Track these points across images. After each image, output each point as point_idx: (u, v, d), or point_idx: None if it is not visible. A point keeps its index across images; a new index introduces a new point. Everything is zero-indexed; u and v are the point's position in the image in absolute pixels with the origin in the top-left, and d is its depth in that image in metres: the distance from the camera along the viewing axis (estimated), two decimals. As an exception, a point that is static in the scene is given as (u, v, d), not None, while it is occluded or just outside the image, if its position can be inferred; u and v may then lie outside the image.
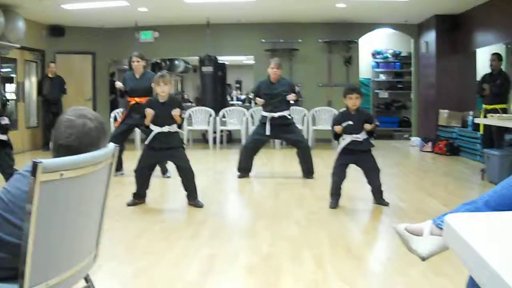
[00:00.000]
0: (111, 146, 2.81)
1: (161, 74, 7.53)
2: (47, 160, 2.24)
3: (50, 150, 2.75)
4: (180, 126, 7.60)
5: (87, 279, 3.05)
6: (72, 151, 2.57)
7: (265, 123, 9.65)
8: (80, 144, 2.62)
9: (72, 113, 2.70)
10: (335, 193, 7.45)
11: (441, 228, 2.72)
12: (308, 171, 9.83)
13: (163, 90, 7.39)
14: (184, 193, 7.56)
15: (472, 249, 1.34)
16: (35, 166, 2.17)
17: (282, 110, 9.62)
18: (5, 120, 7.63)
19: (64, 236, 2.54)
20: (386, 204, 7.42)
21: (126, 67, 15.85)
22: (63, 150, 2.62)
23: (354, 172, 7.75)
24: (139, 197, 7.64)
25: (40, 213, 2.24)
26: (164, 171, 9.78)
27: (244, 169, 10.00)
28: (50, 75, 14.82)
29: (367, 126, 7.24)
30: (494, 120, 9.47)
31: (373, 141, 7.61)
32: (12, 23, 12.70)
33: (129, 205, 7.51)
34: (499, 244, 1.39)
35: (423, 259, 2.79)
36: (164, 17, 15.29)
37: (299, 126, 13.78)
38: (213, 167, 12.04)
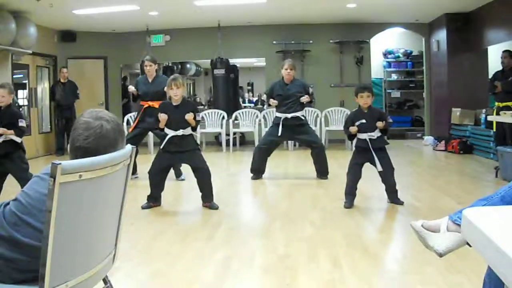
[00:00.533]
0: (128, 147, 2.82)
1: (174, 77, 7.53)
2: (66, 162, 2.25)
3: (67, 153, 2.77)
4: (194, 129, 7.61)
5: (105, 281, 3.06)
6: (89, 153, 2.58)
7: (278, 124, 9.65)
8: (97, 146, 2.63)
9: (89, 115, 2.72)
10: (350, 193, 7.46)
11: (457, 224, 2.73)
12: (322, 172, 9.83)
13: (175, 93, 7.41)
14: (199, 195, 7.57)
15: (491, 241, 1.35)
16: (54, 167, 2.18)
17: (295, 111, 9.61)
18: (23, 122, 7.65)
19: (84, 237, 2.55)
20: (401, 203, 7.42)
21: (138, 71, 15.94)
22: (80, 152, 2.63)
23: (368, 172, 7.75)
24: (153, 200, 7.65)
25: (59, 214, 2.25)
26: (178, 174, 9.80)
27: (257, 171, 10.01)
28: (62, 80, 14.86)
29: (379, 124, 7.24)
30: (507, 117, 9.45)
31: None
32: (23, 29, 12.76)
33: (143, 208, 7.52)
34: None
35: (440, 255, 2.80)
36: (175, 21, 15.34)
37: (312, 126, 13.79)
38: (227, 169, 12.05)
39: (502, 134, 10.53)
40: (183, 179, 9.74)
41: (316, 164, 9.89)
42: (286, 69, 9.67)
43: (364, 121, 7.35)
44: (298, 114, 9.64)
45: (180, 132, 7.43)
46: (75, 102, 14.91)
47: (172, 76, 7.63)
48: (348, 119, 7.69)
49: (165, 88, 7.83)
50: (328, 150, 11.37)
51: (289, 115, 9.58)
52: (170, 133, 7.45)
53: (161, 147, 7.59)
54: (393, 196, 7.51)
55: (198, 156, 7.63)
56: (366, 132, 7.34)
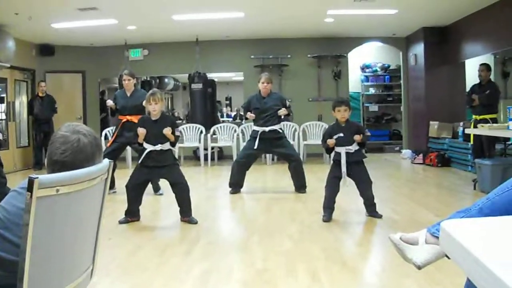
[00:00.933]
0: (106, 161, 2.81)
1: (152, 92, 7.52)
2: (43, 176, 2.23)
3: (45, 168, 2.75)
4: (173, 144, 7.59)
5: (83, 296, 3.04)
6: (66, 167, 2.57)
7: (256, 138, 9.66)
8: (74, 160, 2.62)
9: (66, 129, 2.71)
10: (328, 207, 7.46)
11: (436, 237, 2.73)
12: (300, 185, 9.83)
13: (154, 108, 7.41)
14: (177, 209, 7.54)
15: (469, 253, 1.35)
16: (31, 181, 2.17)
17: (273, 124, 9.63)
18: None
19: (61, 251, 2.53)
20: (379, 216, 7.44)
21: (116, 85, 15.90)
22: (58, 166, 2.61)
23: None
24: (131, 214, 7.59)
25: (36, 229, 2.23)
26: (157, 189, 9.77)
27: (236, 185, 10.00)
28: (40, 94, 14.78)
29: (357, 137, 7.29)
30: (484, 130, 9.50)
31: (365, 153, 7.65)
32: (2, 43, 12.70)
33: (121, 223, 7.48)
34: (496, 247, 1.41)
35: (419, 267, 2.80)
36: (153, 35, 15.34)
37: (290, 141, 13.89)
38: (205, 184, 12.02)
39: (479, 147, 10.60)
40: (161, 194, 9.70)
41: (294, 178, 9.89)
42: (263, 83, 9.69)
43: (341, 134, 7.41)
44: (276, 127, 9.67)
45: (158, 147, 7.42)
46: (53, 116, 14.83)
47: (150, 91, 7.62)
48: (325, 133, 7.73)
49: (144, 103, 7.82)
50: (306, 164, 11.37)
51: (266, 129, 9.61)
52: (149, 147, 7.44)
53: (139, 161, 7.56)
54: (371, 209, 7.54)
55: (177, 171, 7.62)
56: (344, 145, 7.37)
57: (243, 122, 15.64)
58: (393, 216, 7.63)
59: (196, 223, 7.39)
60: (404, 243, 2.89)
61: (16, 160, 14.66)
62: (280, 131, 9.81)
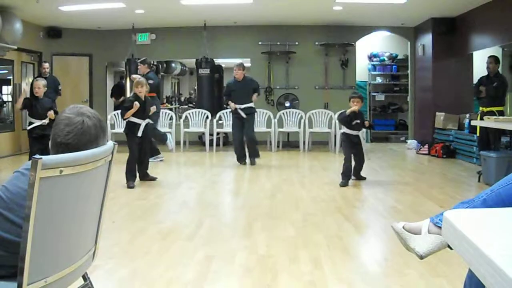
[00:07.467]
0: (110, 143, 2.81)
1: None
2: (47, 157, 2.23)
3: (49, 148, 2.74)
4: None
5: (85, 278, 3.04)
6: (70, 148, 2.57)
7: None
8: (78, 142, 2.62)
9: (71, 111, 2.70)
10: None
11: (438, 227, 2.73)
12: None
13: (140, 91, 9.16)
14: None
15: (472, 243, 1.34)
16: (34, 162, 2.17)
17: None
18: None
19: (63, 233, 2.53)
20: (363, 178, 8.99)
21: (123, 69, 15.89)
22: (61, 147, 2.61)
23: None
24: (146, 175, 9.49)
25: (39, 209, 2.23)
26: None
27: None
28: (43, 76, 14.58)
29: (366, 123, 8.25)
30: (490, 122, 9.48)
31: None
32: (9, 25, 12.69)
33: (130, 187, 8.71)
34: (498, 238, 1.40)
35: (421, 257, 2.79)
36: (161, 19, 15.31)
37: (295, 128, 14.07)
38: (210, 169, 12.00)
39: (485, 139, 10.56)
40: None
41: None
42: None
43: (358, 121, 8.90)
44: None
45: (146, 121, 9.39)
46: (56, 98, 14.36)
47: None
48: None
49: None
50: (311, 152, 11.37)
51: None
52: (141, 122, 9.24)
53: (139, 134, 9.21)
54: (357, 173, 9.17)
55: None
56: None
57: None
58: (397, 206, 7.63)
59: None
60: (406, 232, 2.88)
61: (21, 142, 14.63)
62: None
